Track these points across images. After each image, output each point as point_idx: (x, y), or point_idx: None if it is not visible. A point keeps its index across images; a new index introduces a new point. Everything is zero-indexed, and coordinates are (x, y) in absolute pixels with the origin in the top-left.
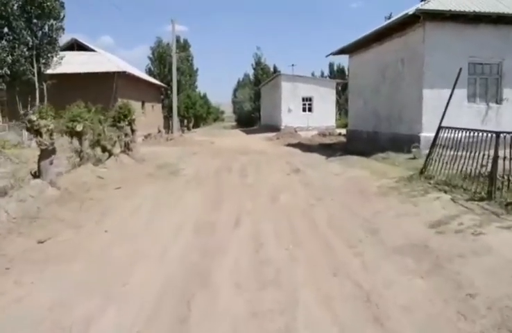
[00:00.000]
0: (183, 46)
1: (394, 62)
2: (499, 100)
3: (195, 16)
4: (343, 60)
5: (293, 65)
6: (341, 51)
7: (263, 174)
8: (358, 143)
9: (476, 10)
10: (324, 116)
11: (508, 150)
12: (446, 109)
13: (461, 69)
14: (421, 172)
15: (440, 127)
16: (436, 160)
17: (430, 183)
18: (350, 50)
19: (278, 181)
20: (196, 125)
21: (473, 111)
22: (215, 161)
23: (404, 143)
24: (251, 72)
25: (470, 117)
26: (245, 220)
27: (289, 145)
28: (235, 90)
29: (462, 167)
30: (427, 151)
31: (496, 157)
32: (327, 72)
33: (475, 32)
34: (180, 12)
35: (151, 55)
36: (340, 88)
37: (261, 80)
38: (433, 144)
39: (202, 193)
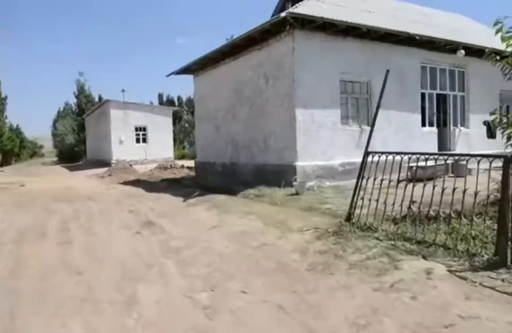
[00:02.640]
0: None
1: (254, 79)
2: (370, 123)
3: (12, 42)
4: (172, 91)
5: (123, 91)
6: (185, 70)
7: (97, 236)
8: (212, 177)
9: (348, 20)
10: (161, 147)
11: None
12: (372, 130)
13: (387, 71)
14: (348, 219)
15: (367, 153)
16: (367, 199)
17: (379, 239)
18: (196, 68)
19: (125, 250)
20: (6, 162)
21: (347, 134)
22: (21, 216)
23: (274, 175)
24: (73, 101)
25: (345, 140)
26: None
27: (126, 183)
28: (55, 121)
29: (403, 206)
30: (310, 184)
31: (506, 200)
32: (156, 103)
33: (345, 46)
34: None
35: None
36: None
37: (86, 109)
38: (360, 176)
39: None
